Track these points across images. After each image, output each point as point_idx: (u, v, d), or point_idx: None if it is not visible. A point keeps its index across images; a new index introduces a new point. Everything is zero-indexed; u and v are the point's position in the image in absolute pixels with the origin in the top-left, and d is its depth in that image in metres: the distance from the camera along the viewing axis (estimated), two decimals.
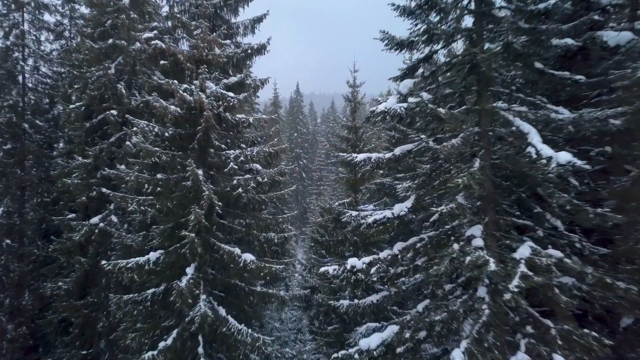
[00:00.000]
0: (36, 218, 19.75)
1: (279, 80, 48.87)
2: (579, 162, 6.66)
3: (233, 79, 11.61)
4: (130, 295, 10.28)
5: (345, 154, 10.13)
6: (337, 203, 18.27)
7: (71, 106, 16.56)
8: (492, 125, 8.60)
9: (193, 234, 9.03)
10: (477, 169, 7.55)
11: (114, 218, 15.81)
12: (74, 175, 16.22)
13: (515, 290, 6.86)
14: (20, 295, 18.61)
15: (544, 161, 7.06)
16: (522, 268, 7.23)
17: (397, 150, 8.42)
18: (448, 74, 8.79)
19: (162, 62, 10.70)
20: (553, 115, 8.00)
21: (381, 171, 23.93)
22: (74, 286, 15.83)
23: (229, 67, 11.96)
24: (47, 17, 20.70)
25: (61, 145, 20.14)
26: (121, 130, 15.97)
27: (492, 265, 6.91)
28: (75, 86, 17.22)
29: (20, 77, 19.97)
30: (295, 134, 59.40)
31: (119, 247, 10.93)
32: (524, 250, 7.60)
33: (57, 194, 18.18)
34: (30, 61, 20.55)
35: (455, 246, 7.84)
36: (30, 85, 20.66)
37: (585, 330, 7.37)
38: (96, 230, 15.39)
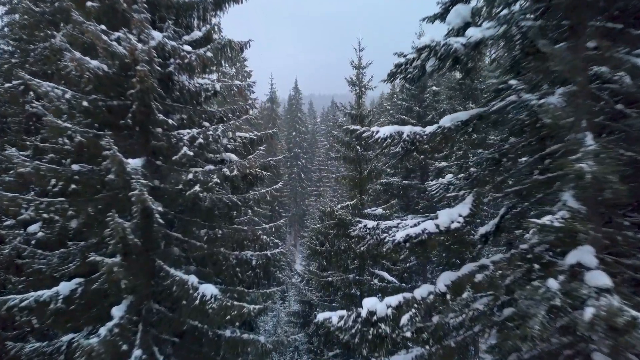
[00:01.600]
0: None
1: (277, 82, 46.58)
2: None
3: (197, 34, 8.24)
4: (36, 345, 6.90)
5: (360, 127, 6.74)
6: (339, 206, 15.07)
7: (6, 85, 13.23)
8: (597, 80, 5.28)
9: (112, 260, 5.67)
10: (597, 149, 4.20)
11: None
12: (11, 172, 12.93)
13: None
14: None
15: None
16: None
17: (445, 121, 5.05)
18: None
19: (89, 3, 7.34)
20: None
21: (390, 167, 20.28)
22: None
23: (194, 18, 8.60)
24: None
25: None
26: None
27: None
28: (13, 61, 13.90)
29: None
30: (294, 133, 56.37)
31: (29, 271, 7.63)
32: None
33: None
34: None
35: (553, 284, 4.49)
36: None
37: None
38: (33, 242, 12.11)
